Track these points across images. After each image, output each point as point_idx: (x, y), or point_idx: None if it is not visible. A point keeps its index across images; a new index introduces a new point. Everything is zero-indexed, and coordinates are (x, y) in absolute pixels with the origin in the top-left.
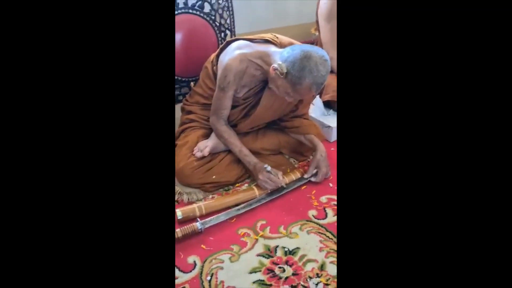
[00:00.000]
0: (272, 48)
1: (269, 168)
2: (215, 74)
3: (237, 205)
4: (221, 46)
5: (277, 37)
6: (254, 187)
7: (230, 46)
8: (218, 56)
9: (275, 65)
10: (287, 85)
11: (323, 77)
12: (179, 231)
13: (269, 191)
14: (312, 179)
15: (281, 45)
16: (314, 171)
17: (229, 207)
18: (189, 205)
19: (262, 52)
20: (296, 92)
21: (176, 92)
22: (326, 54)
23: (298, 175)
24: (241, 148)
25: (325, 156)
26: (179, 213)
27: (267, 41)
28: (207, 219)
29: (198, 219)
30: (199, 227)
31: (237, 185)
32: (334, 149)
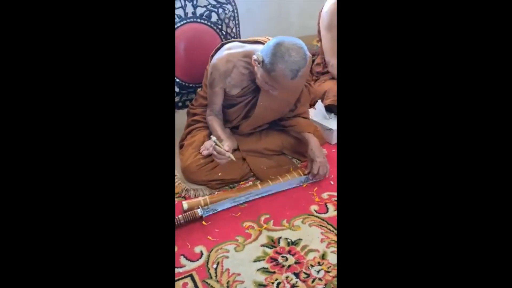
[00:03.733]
0: (260, 47)
1: (214, 138)
2: None
3: None
4: (215, 48)
5: (269, 39)
6: (258, 184)
7: (223, 47)
8: (212, 57)
9: (254, 56)
10: (264, 74)
11: (296, 63)
12: (181, 217)
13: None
14: (310, 176)
15: None
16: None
17: None
18: None
19: (249, 51)
20: (273, 80)
21: (183, 98)
22: (302, 42)
23: (301, 174)
24: (220, 134)
25: (316, 147)
26: (185, 205)
27: (259, 42)
28: (208, 206)
29: (200, 206)
30: (200, 213)
31: (241, 182)
32: (335, 150)
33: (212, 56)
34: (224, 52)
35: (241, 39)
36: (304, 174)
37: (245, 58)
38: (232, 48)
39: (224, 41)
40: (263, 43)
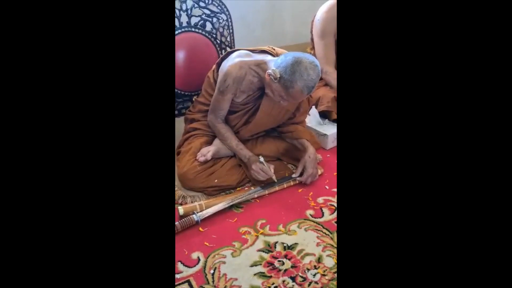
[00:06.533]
0: (268, 57)
1: (262, 159)
2: (215, 81)
3: None
4: (222, 56)
5: (274, 49)
6: (253, 189)
7: (231, 55)
8: (219, 64)
9: (270, 71)
10: (280, 89)
11: (313, 81)
12: (177, 224)
13: (262, 185)
14: (298, 178)
15: (277, 55)
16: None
17: None
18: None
19: (260, 60)
20: (289, 95)
21: (179, 106)
22: (316, 60)
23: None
24: (237, 142)
25: (313, 158)
26: (180, 210)
27: (264, 52)
28: (203, 212)
29: (195, 212)
30: (196, 219)
31: (238, 189)
32: (330, 155)
33: (219, 63)
34: (236, 59)
35: (246, 48)
36: (290, 175)
37: (255, 67)
38: (242, 56)
39: (229, 50)
40: (270, 53)
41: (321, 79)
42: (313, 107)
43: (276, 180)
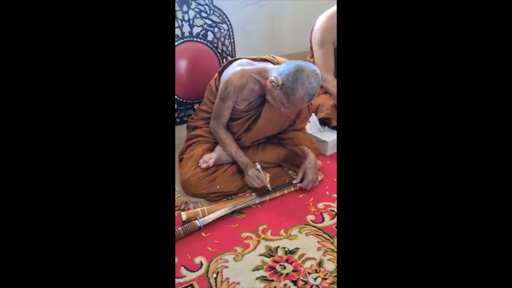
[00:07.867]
0: (269, 65)
1: (259, 166)
2: (217, 89)
3: None
4: (224, 64)
5: (274, 57)
6: (254, 195)
7: (232, 63)
8: (220, 72)
9: (272, 78)
10: (282, 96)
11: (314, 89)
12: (180, 229)
13: (259, 192)
14: (299, 184)
15: (278, 64)
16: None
17: None
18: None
19: (261, 68)
20: (291, 102)
21: (181, 114)
22: (317, 69)
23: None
24: (237, 149)
25: (313, 164)
26: (183, 216)
27: (265, 60)
28: (205, 217)
29: (198, 218)
30: (198, 224)
31: (239, 195)
32: (329, 162)
33: (220, 72)
34: (237, 67)
35: (248, 57)
36: (291, 181)
37: (256, 75)
38: (243, 64)
39: (231, 59)
40: (270, 61)
41: (321, 86)
42: (313, 114)
43: (270, 189)
